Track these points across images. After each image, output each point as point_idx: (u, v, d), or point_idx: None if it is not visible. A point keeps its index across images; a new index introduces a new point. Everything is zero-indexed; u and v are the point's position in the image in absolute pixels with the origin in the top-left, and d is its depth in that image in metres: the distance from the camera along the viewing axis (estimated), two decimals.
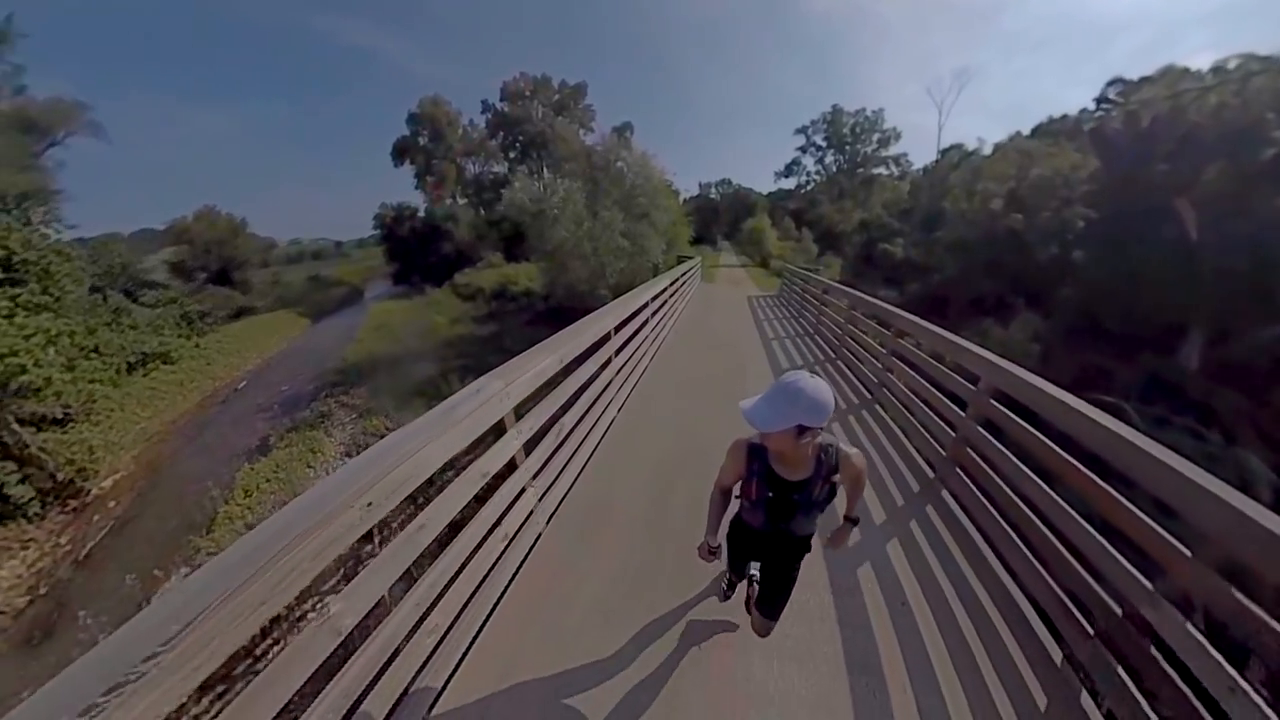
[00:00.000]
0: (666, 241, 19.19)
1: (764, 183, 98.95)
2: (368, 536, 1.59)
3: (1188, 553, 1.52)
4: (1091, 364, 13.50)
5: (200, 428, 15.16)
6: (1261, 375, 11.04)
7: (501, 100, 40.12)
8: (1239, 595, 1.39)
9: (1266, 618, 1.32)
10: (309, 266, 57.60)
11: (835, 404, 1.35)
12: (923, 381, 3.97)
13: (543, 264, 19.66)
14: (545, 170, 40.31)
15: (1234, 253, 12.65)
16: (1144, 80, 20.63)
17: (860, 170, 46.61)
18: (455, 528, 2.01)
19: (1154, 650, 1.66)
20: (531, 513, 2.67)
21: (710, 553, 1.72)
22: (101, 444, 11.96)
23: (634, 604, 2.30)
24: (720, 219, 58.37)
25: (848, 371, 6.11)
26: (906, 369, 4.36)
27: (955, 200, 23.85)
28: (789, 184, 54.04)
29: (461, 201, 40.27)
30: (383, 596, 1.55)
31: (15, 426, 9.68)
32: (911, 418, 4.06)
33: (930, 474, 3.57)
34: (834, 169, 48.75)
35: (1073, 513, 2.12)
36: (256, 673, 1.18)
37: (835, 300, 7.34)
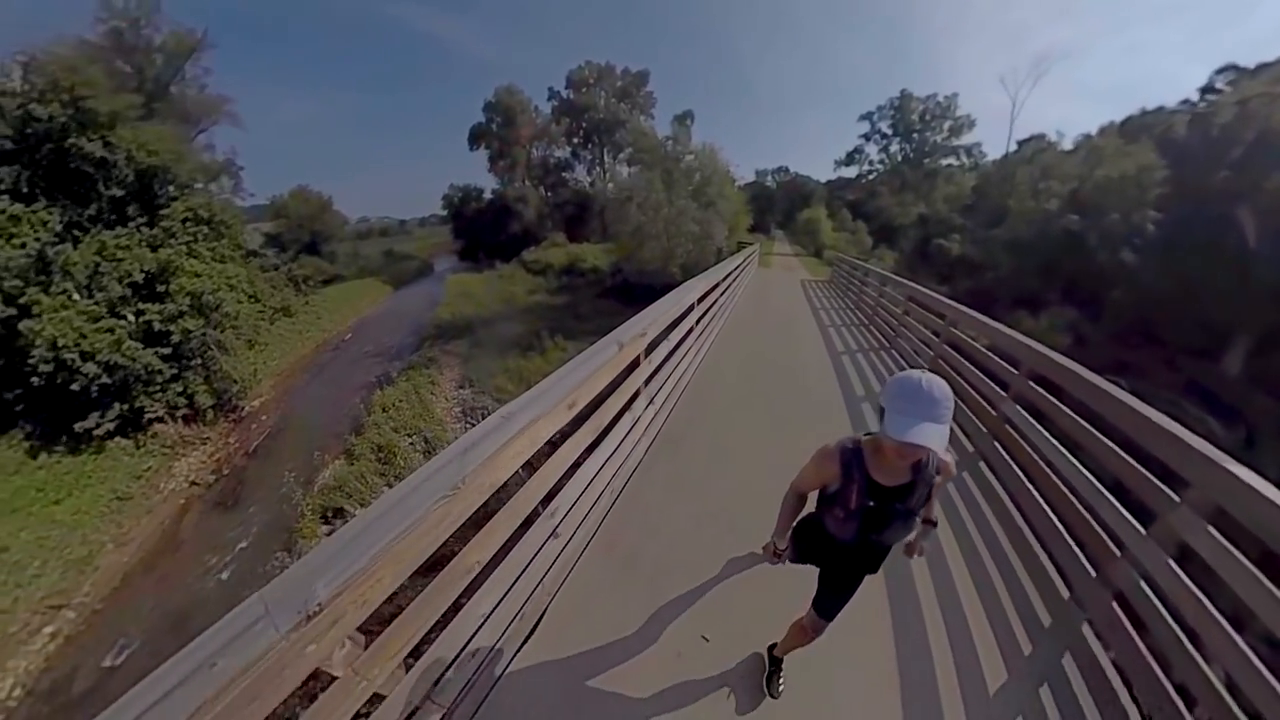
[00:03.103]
0: (728, 228, 20.77)
1: (823, 170, 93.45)
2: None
3: (1015, 370, 3.15)
4: (1131, 362, 14.01)
5: (320, 368, 18.23)
6: None
7: (567, 88, 42.16)
8: (1038, 388, 3.00)
9: (1056, 402, 2.91)
10: (378, 242, 62.20)
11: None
12: (904, 329, 5.59)
13: (611, 244, 21.55)
14: (606, 155, 42.24)
15: None
16: (1262, 67, 18.39)
17: (927, 160, 43.18)
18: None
19: (1007, 427, 3.27)
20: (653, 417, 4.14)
21: (776, 555, 1.67)
22: (262, 369, 15.02)
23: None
24: (775, 208, 57.35)
25: (876, 332, 8.02)
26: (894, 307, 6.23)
27: (1021, 197, 23.68)
28: (849, 173, 50.77)
29: (528, 184, 42.81)
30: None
31: (214, 349, 12.56)
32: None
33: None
34: (899, 158, 45.41)
35: (980, 346, 3.75)
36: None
37: (873, 281, 9.01)
